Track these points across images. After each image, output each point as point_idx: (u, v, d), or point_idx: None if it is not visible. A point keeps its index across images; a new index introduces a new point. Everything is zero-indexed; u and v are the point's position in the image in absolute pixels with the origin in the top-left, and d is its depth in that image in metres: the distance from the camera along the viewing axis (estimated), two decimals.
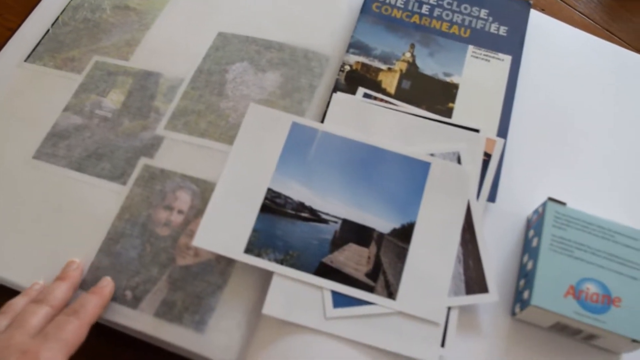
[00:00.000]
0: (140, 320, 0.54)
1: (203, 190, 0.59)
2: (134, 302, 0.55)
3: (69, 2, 0.74)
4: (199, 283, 0.55)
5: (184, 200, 0.59)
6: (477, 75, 0.64)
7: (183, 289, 0.55)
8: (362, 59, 0.65)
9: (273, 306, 0.53)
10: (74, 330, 0.49)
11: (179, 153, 0.61)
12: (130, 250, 0.57)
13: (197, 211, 0.58)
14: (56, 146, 0.63)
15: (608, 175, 0.63)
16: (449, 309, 0.54)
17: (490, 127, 0.61)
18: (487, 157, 0.59)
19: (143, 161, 0.61)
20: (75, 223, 0.59)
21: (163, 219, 0.58)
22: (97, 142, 0.63)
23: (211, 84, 0.65)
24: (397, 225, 0.56)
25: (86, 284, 0.56)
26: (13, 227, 0.59)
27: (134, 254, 0.57)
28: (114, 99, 0.66)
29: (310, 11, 0.69)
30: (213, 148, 0.61)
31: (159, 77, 0.66)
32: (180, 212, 0.58)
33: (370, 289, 0.54)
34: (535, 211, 0.58)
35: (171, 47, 0.68)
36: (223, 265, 0.56)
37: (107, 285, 0.54)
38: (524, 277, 0.55)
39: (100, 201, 0.60)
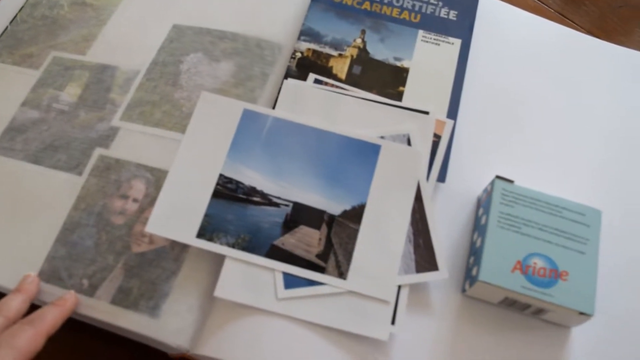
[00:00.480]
0: (97, 308, 0.54)
1: (157, 179, 0.59)
2: (91, 291, 0.55)
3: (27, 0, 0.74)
4: (154, 269, 0.55)
5: (138, 188, 0.59)
6: (427, 59, 0.65)
7: (138, 275, 0.55)
8: (313, 45, 0.65)
9: (225, 289, 0.53)
10: (28, 339, 0.48)
11: (134, 143, 0.62)
12: (86, 239, 0.57)
13: (152, 199, 0.58)
14: (13, 140, 0.63)
15: (555, 154, 0.63)
16: (400, 287, 0.54)
17: (440, 109, 0.62)
18: (437, 138, 0.60)
19: (98, 152, 0.62)
20: (32, 214, 0.59)
21: (118, 207, 0.58)
22: (54, 135, 0.63)
23: (166, 75, 0.65)
24: (348, 207, 0.56)
25: (44, 274, 0.56)
26: None
27: (90, 243, 0.57)
28: (70, 93, 0.66)
29: (263, 1, 0.70)
30: (167, 137, 0.61)
31: (115, 70, 0.67)
32: (135, 200, 0.59)
33: (321, 270, 0.54)
34: (485, 190, 0.59)
35: (127, 41, 0.69)
36: (177, 251, 0.56)
37: (69, 298, 0.54)
38: (473, 255, 0.56)
39: (56, 192, 0.60)
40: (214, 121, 0.59)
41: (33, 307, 0.52)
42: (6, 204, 0.60)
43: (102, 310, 0.54)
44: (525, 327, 0.55)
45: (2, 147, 0.63)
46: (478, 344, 0.54)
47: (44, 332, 0.49)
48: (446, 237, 0.58)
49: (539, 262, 0.53)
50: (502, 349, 0.54)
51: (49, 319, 0.51)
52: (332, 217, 0.56)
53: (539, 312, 0.54)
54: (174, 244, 0.56)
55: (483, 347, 0.54)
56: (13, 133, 0.64)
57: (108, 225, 0.58)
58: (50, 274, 0.56)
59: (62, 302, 0.53)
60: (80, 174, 0.61)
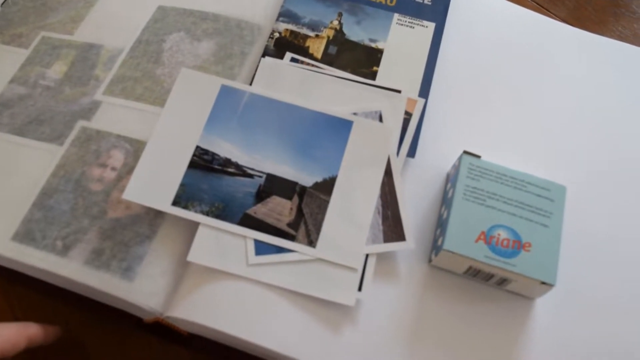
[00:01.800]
0: (69, 267, 0.54)
1: (136, 150, 0.60)
2: (64, 251, 0.55)
3: None
4: (128, 233, 0.56)
5: (117, 158, 0.60)
6: (401, 41, 0.65)
7: (112, 238, 0.55)
8: (291, 26, 0.66)
9: (198, 254, 0.54)
10: (9, 334, 0.48)
11: (116, 116, 0.62)
12: (63, 204, 0.58)
13: (130, 168, 0.59)
14: (1, 115, 0.64)
15: (523, 132, 0.64)
16: (367, 256, 0.54)
17: (412, 89, 0.62)
18: (408, 115, 0.60)
19: (80, 124, 0.62)
20: (11, 182, 0.59)
21: (96, 175, 0.59)
22: (39, 110, 0.64)
23: (149, 53, 0.66)
24: (319, 179, 0.57)
25: (18, 236, 0.56)
26: None
27: (66, 207, 0.57)
28: (57, 70, 0.67)
29: None
30: (148, 111, 0.62)
31: (100, 48, 0.68)
32: (113, 169, 0.59)
33: (291, 238, 0.54)
34: (453, 165, 0.59)
35: (113, 22, 0.70)
36: (152, 217, 0.56)
37: (54, 329, 0.54)
38: (440, 226, 0.56)
39: (37, 161, 0.60)
40: (193, 96, 0.60)
41: None
42: None
43: (74, 269, 0.54)
44: (490, 298, 0.55)
45: None
46: (442, 312, 0.54)
47: (25, 334, 0.50)
48: (415, 211, 0.59)
49: (502, 234, 0.54)
50: (467, 318, 0.54)
51: (33, 328, 0.51)
52: (303, 189, 0.57)
53: (502, 282, 0.54)
54: (149, 210, 0.56)
55: (447, 316, 0.54)
56: (0, 108, 0.64)
57: (85, 191, 0.58)
58: (25, 235, 0.56)
59: (47, 327, 0.53)
60: (61, 144, 0.61)
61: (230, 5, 0.69)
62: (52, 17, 0.71)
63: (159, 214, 0.56)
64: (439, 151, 0.61)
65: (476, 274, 0.54)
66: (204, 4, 0.69)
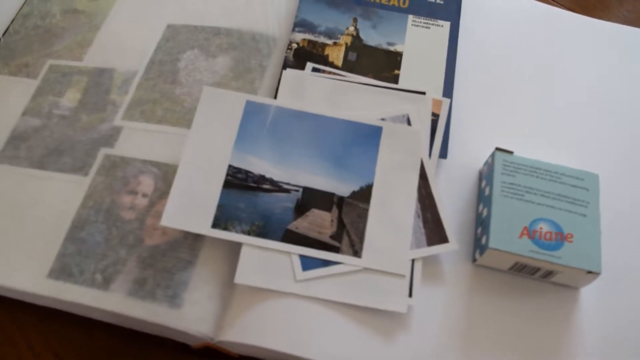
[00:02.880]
0: (112, 301, 0.52)
1: (165, 173, 0.58)
2: (105, 284, 0.53)
3: (19, 10, 0.72)
4: (169, 259, 0.54)
5: (147, 184, 0.58)
6: (419, 42, 0.64)
7: (153, 266, 0.53)
8: (308, 36, 0.64)
9: (244, 275, 0.52)
10: None
11: (138, 140, 0.60)
12: (96, 236, 0.55)
13: (162, 193, 0.57)
14: (17, 149, 0.61)
15: (550, 123, 0.63)
16: (413, 261, 0.53)
17: (435, 89, 0.61)
18: (435, 117, 0.59)
19: (103, 151, 0.60)
20: (40, 217, 0.57)
21: (128, 203, 0.57)
22: (57, 140, 0.61)
23: (164, 73, 0.64)
24: (356, 188, 0.56)
25: (54, 272, 0.54)
26: None
27: (100, 239, 0.55)
28: (70, 98, 0.64)
29: None
30: (171, 132, 0.60)
31: (112, 72, 0.65)
32: (144, 195, 0.57)
33: (336, 250, 0.53)
34: (486, 162, 0.58)
35: (122, 44, 0.67)
36: (191, 241, 0.54)
37: None
38: (480, 225, 0.55)
39: (63, 193, 0.58)
40: (218, 114, 0.58)
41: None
42: (13, 209, 0.58)
43: (118, 302, 0.52)
44: (536, 291, 0.54)
45: (6, 156, 0.61)
46: (491, 310, 0.53)
47: None
48: (452, 211, 0.58)
49: (544, 227, 0.53)
50: (515, 314, 0.53)
51: None
52: (341, 199, 0.55)
53: (548, 274, 0.53)
54: (187, 234, 0.55)
55: (496, 313, 0.53)
56: (16, 142, 0.62)
57: (118, 220, 0.56)
58: (61, 271, 0.54)
59: None
60: (86, 174, 0.59)
61: (241, 18, 0.67)
62: (58, 43, 0.68)
63: (197, 237, 0.54)
64: (468, 150, 0.60)
65: (522, 269, 0.54)
66: (215, 19, 0.67)
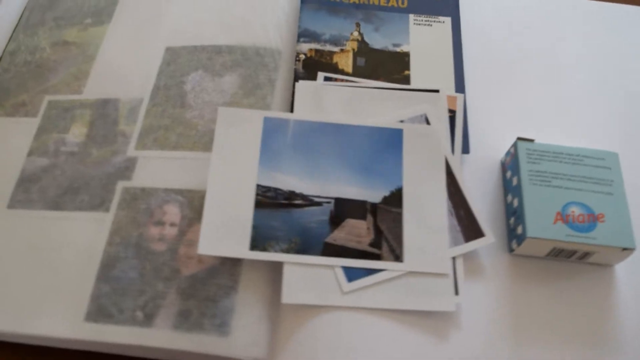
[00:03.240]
0: (158, 337, 0.51)
1: (190, 200, 0.56)
2: (147, 320, 0.51)
3: (5, 48, 0.69)
4: (210, 287, 0.52)
5: (172, 212, 0.56)
6: (424, 41, 0.64)
7: (195, 296, 0.52)
8: (314, 45, 0.63)
9: (291, 294, 0.51)
10: None
11: (156, 169, 0.58)
12: (129, 272, 0.54)
13: (190, 220, 0.55)
14: (28, 191, 0.59)
15: (565, 107, 0.64)
16: (454, 259, 0.53)
17: (447, 85, 0.61)
18: (452, 113, 0.59)
19: (121, 184, 0.58)
20: (65, 260, 0.55)
21: (156, 234, 0.55)
22: (70, 178, 0.59)
23: (171, 97, 0.62)
24: (387, 193, 0.55)
25: (91, 315, 0.52)
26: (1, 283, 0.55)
27: (134, 275, 0.53)
28: (76, 133, 0.62)
29: (251, 10, 0.67)
30: (189, 158, 0.58)
31: (117, 102, 0.63)
32: (172, 224, 0.55)
33: (377, 257, 0.53)
34: (507, 153, 0.59)
35: (122, 72, 0.65)
36: (229, 266, 0.53)
37: None
38: (513, 215, 0.56)
39: (86, 232, 0.56)
40: (238, 134, 0.57)
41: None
42: (37, 255, 0.55)
43: (164, 337, 0.51)
44: (573, 273, 0.55)
45: (17, 200, 0.58)
46: (534, 296, 0.54)
47: None
48: (480, 204, 0.58)
49: (576, 210, 0.53)
50: (557, 297, 0.54)
51: None
52: (374, 206, 0.55)
53: (584, 256, 0.54)
54: (224, 260, 0.53)
55: (539, 299, 0.54)
56: (26, 184, 0.59)
57: (149, 253, 0.54)
58: (98, 312, 0.52)
59: None
60: (107, 210, 0.57)
61: (241, 34, 0.65)
62: (53, 78, 0.66)
63: (235, 262, 0.53)
64: (486, 142, 0.61)
65: (558, 254, 0.54)
66: (214, 38, 0.65)
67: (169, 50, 0.65)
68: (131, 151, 0.60)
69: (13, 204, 0.58)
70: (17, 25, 0.71)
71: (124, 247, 0.55)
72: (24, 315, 0.53)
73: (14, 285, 0.54)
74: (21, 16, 0.71)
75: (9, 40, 0.69)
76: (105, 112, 0.62)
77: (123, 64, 0.65)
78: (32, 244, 0.56)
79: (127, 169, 0.59)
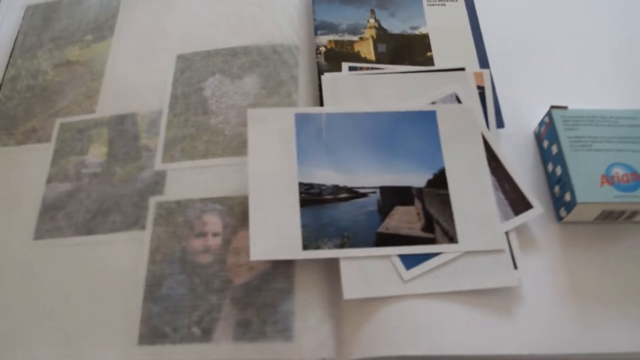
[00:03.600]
0: (220, 351, 0.49)
1: (229, 207, 0.54)
2: (206, 335, 0.49)
3: (4, 75, 0.66)
4: (267, 293, 0.50)
5: (213, 222, 0.54)
6: (440, 21, 0.63)
7: (252, 304, 0.50)
8: (332, 37, 0.62)
9: (351, 289, 0.49)
10: None
11: (188, 180, 0.56)
12: (178, 288, 0.51)
13: (233, 227, 0.53)
14: (54, 219, 0.56)
15: (591, 71, 0.63)
16: (507, 234, 0.52)
17: (471, 62, 0.60)
18: (481, 89, 0.58)
19: (154, 200, 0.56)
20: (108, 285, 0.52)
21: (200, 246, 0.53)
22: (97, 200, 0.56)
23: (192, 105, 0.60)
24: (430, 176, 0.54)
25: (145, 338, 0.50)
26: (42, 316, 0.52)
27: (183, 291, 0.51)
28: (95, 153, 0.59)
29: (259, 9, 0.65)
30: (221, 164, 0.56)
31: (134, 116, 0.60)
32: (215, 234, 0.53)
33: (432, 241, 0.51)
34: (541, 123, 0.58)
35: (134, 85, 0.62)
36: (282, 269, 0.51)
37: None
38: (557, 183, 0.55)
39: (125, 254, 0.54)
40: (271, 134, 0.55)
41: None
42: (76, 284, 0.53)
43: (227, 351, 0.49)
44: (623, 233, 0.54)
45: (45, 230, 0.56)
46: (588, 261, 0.53)
47: None
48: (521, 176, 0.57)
49: (619, 171, 0.53)
50: (610, 259, 0.53)
51: None
52: (420, 190, 0.54)
53: (632, 215, 0.54)
54: (276, 263, 0.52)
55: (594, 263, 0.53)
56: (51, 212, 0.56)
57: (196, 267, 0.52)
58: (152, 334, 0.50)
59: None
60: (143, 227, 0.54)
61: (254, 34, 0.63)
62: (61, 100, 0.63)
63: (288, 264, 0.51)
64: (516, 114, 0.60)
65: (607, 216, 0.54)
66: (226, 41, 0.63)
67: (180, 57, 0.63)
68: (158, 165, 0.57)
69: (40, 234, 0.56)
70: (12, 51, 0.68)
71: (168, 263, 0.53)
72: (74, 348, 0.50)
73: (57, 318, 0.52)
74: (15, 40, 0.68)
75: (7, 67, 0.66)
76: (123, 129, 0.60)
77: (134, 77, 0.63)
78: (69, 273, 0.54)
79: (157, 183, 0.56)
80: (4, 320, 0.52)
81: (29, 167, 0.60)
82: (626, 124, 0.55)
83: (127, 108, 0.61)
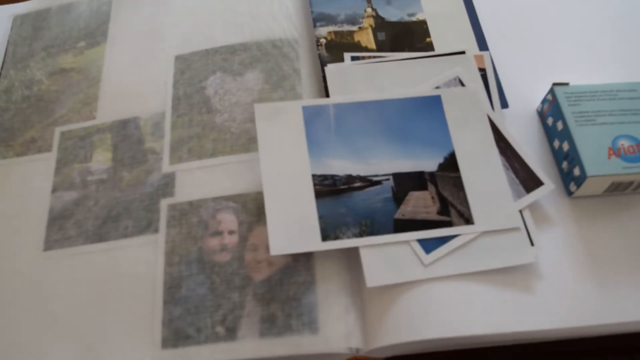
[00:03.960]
0: (246, 349, 0.48)
1: (243, 204, 0.54)
2: (230, 334, 0.49)
3: None
4: (289, 287, 0.50)
5: (228, 220, 0.53)
6: (437, 6, 0.63)
7: (275, 299, 0.50)
8: (331, 28, 0.62)
9: (373, 276, 0.49)
10: None
11: (198, 180, 0.55)
12: (198, 289, 0.51)
13: (249, 224, 0.53)
14: (63, 229, 0.55)
15: (587, 46, 0.64)
16: (521, 212, 0.53)
17: (471, 46, 0.61)
18: (482, 71, 0.59)
19: (165, 202, 0.55)
20: (126, 291, 0.52)
21: (216, 245, 0.52)
22: (106, 206, 0.55)
23: (195, 105, 0.59)
24: (441, 160, 0.54)
25: (168, 341, 0.49)
26: (60, 329, 0.51)
27: (204, 291, 0.51)
28: (100, 160, 0.58)
29: (255, 4, 0.65)
30: (231, 162, 0.56)
31: (137, 120, 0.59)
32: (231, 232, 0.53)
33: (448, 224, 0.51)
34: (544, 100, 0.59)
35: (134, 89, 0.61)
36: (302, 261, 0.51)
37: None
38: (565, 159, 0.55)
39: (141, 258, 0.53)
40: (280, 128, 0.55)
41: None
42: (92, 293, 0.52)
43: (254, 347, 0.48)
44: (633, 204, 0.55)
45: (54, 240, 0.55)
46: (601, 233, 0.53)
47: None
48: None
49: (625, 142, 0.54)
50: (624, 230, 0.54)
51: None
52: (432, 174, 0.54)
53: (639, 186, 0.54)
54: (295, 256, 0.51)
55: (606, 235, 0.53)
56: (59, 222, 0.55)
57: (215, 266, 0.52)
58: (175, 337, 0.49)
59: None
60: (156, 230, 0.54)
61: (252, 30, 0.63)
62: (59, 109, 0.62)
63: (308, 256, 0.51)
64: (517, 94, 0.60)
65: (615, 188, 0.54)
66: (224, 38, 0.63)
67: (179, 58, 0.62)
68: (166, 167, 0.57)
69: (50, 245, 0.55)
70: (3, 62, 0.66)
71: (185, 265, 0.52)
72: (97, 359, 0.49)
73: (76, 329, 0.51)
74: (6, 52, 0.67)
75: None
76: (127, 133, 0.59)
77: (133, 81, 0.62)
78: (83, 282, 0.53)
79: (167, 185, 0.56)
80: (20, 336, 0.51)
81: (32, 178, 0.58)
82: (626, 97, 0.56)
83: (129, 112, 0.60)
